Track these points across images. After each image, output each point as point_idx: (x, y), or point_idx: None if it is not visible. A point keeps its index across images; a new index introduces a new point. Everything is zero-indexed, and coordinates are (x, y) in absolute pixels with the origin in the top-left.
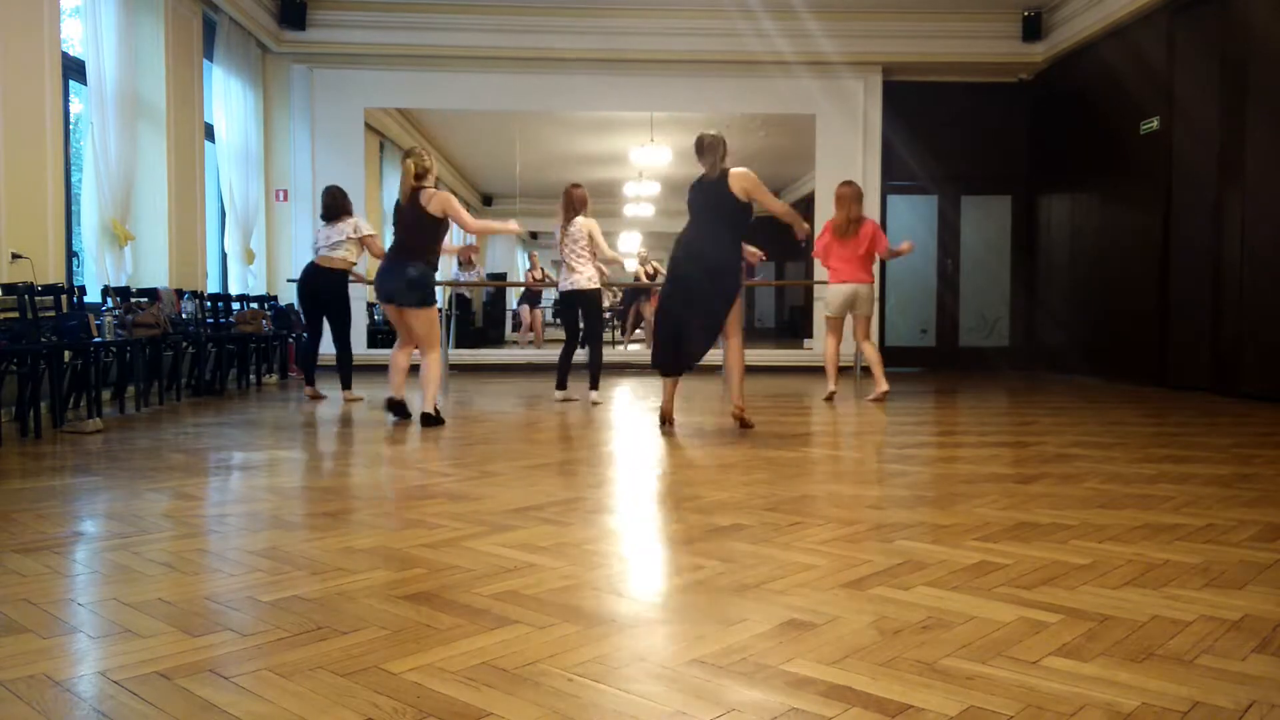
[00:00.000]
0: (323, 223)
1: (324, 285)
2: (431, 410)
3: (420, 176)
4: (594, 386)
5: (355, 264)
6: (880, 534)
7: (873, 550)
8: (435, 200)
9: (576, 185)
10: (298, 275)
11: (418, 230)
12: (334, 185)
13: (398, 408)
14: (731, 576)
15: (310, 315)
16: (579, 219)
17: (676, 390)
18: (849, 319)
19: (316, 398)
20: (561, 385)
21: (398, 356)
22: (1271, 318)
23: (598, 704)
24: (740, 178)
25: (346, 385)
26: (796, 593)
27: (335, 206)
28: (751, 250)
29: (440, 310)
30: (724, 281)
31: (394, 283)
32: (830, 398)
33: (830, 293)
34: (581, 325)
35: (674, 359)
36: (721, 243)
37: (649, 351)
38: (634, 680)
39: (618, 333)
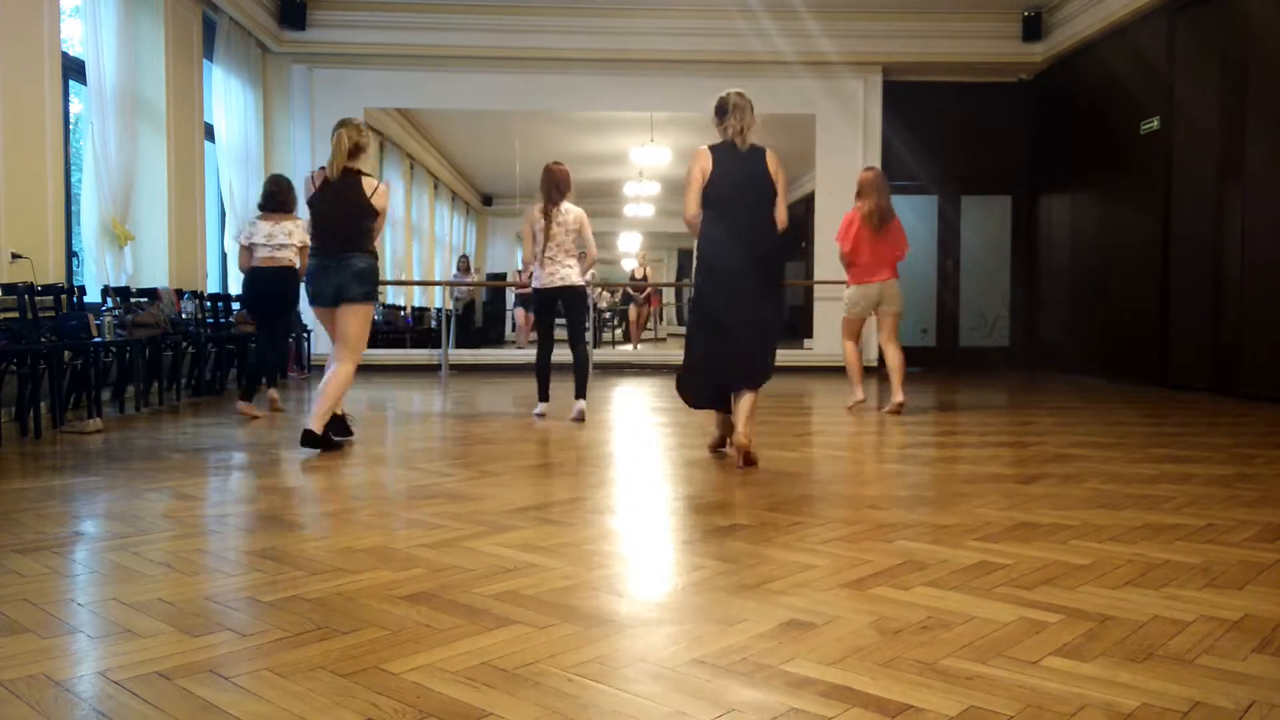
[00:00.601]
0: (259, 213)
1: (288, 285)
2: (318, 429)
3: (353, 154)
4: (582, 395)
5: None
6: (880, 534)
7: (873, 550)
8: (380, 192)
9: (558, 162)
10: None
11: (358, 218)
12: (280, 175)
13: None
14: (731, 576)
15: (267, 318)
16: (570, 205)
17: (746, 407)
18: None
19: (255, 414)
20: (545, 396)
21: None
22: (1271, 318)
23: (598, 704)
24: (776, 159)
25: (274, 383)
26: (796, 593)
27: (280, 199)
28: None
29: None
30: (772, 273)
31: (338, 278)
32: (855, 406)
33: (855, 294)
34: (563, 323)
35: (714, 390)
36: (771, 227)
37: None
38: (634, 680)
39: (618, 332)
